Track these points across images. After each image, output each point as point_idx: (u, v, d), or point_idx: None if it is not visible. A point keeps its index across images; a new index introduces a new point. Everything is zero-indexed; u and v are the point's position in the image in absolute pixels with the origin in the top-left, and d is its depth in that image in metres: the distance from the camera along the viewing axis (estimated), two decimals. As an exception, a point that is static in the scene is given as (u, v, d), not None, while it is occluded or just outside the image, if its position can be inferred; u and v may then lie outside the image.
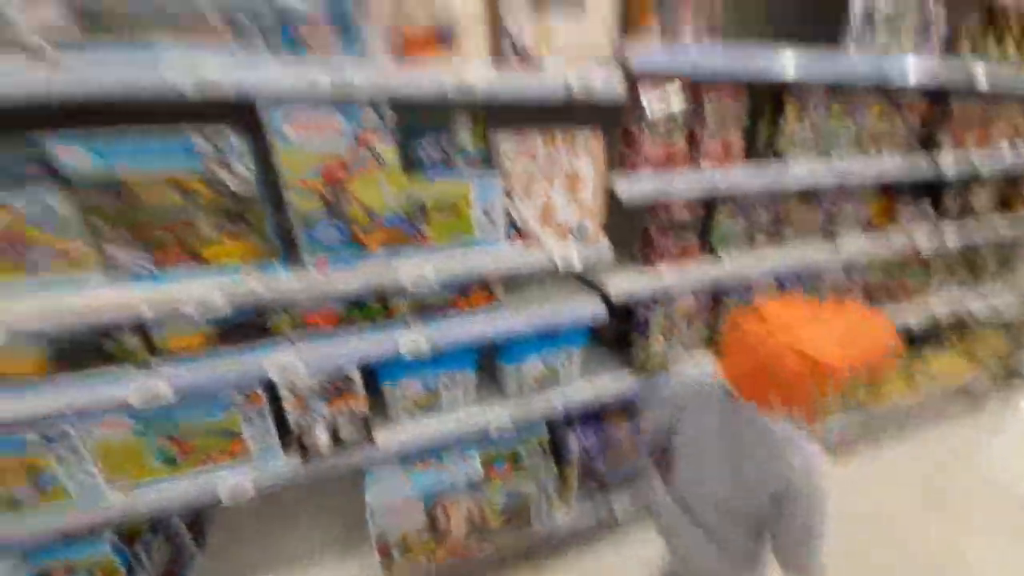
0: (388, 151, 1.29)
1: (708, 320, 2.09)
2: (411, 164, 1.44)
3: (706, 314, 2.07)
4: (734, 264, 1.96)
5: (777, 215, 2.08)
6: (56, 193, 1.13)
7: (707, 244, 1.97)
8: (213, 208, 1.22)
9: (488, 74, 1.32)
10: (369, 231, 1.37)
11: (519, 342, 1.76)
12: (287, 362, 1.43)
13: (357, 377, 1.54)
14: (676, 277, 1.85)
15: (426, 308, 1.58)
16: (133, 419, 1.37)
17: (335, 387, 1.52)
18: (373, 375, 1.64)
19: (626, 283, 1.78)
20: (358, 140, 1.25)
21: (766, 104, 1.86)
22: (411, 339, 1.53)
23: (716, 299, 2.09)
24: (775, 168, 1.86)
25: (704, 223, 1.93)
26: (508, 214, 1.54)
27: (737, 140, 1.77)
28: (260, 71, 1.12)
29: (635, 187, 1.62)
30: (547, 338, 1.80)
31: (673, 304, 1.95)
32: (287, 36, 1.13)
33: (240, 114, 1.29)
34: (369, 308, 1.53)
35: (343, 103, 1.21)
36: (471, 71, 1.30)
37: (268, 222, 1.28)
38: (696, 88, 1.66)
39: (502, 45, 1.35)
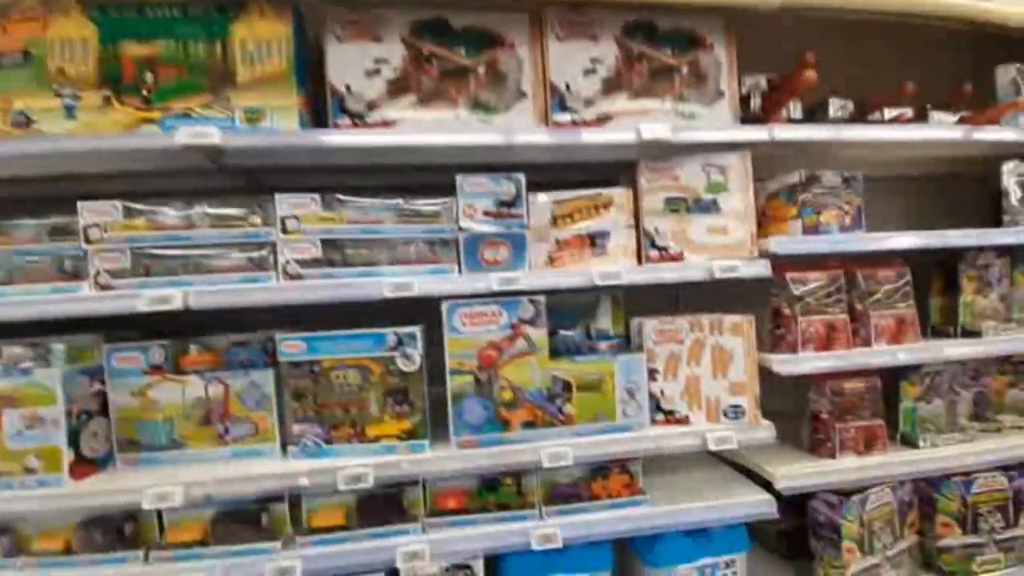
0: (539, 336, 1.37)
1: (920, 526, 1.59)
2: (558, 349, 1.50)
3: (914, 516, 1.59)
4: (937, 453, 1.56)
5: (983, 395, 1.70)
6: (268, 374, 1.34)
7: (897, 430, 1.63)
8: (384, 387, 1.34)
9: (631, 268, 1.43)
10: (513, 408, 1.37)
11: (665, 541, 1.47)
12: (417, 550, 1.34)
13: (480, 568, 1.37)
14: (860, 468, 1.51)
15: (561, 494, 1.44)
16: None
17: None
18: (495, 564, 1.45)
19: (797, 472, 1.49)
20: (514, 327, 1.35)
21: (939, 279, 1.71)
22: (544, 531, 1.36)
23: (924, 497, 1.63)
24: (959, 342, 1.59)
25: (889, 405, 1.63)
26: (652, 395, 1.46)
27: (910, 315, 1.59)
28: (449, 283, 1.33)
29: (793, 366, 1.47)
30: (699, 537, 1.48)
31: (866, 503, 1.54)
32: (473, 253, 1.36)
33: (423, 309, 1.48)
34: (503, 490, 1.44)
35: (506, 299, 1.36)
36: (616, 265, 1.41)
37: (425, 401, 1.36)
38: (848, 267, 1.59)
39: (643, 245, 1.47)
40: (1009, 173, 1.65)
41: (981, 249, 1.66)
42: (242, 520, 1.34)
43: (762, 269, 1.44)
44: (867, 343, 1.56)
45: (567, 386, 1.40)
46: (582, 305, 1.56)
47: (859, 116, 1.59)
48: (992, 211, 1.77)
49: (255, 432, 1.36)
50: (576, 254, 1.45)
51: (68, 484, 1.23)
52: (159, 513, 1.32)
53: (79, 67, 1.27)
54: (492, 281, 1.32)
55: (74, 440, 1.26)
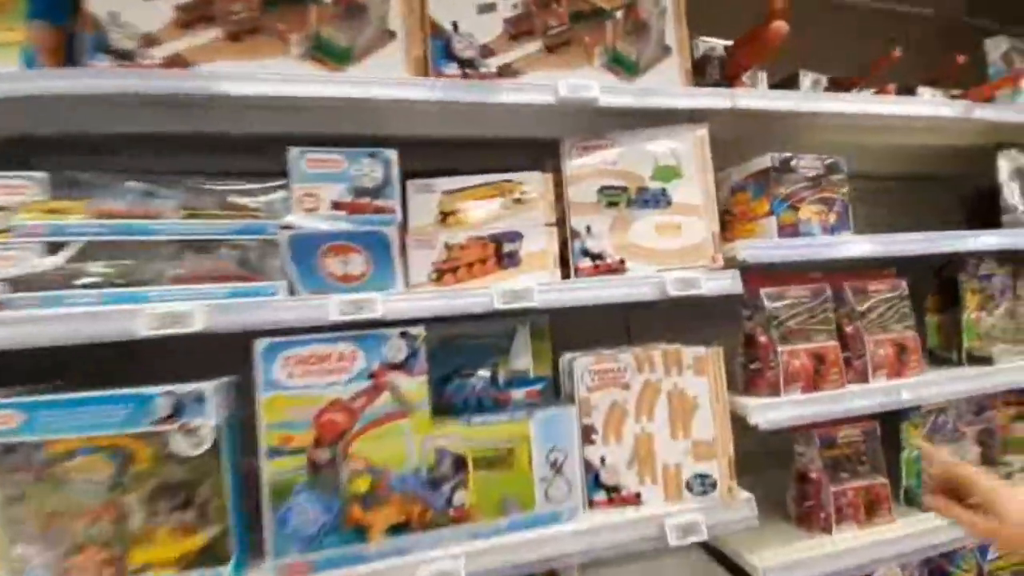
0: (415, 388, 0.90)
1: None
2: (449, 405, 1.03)
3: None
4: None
5: (989, 431, 1.38)
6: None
7: (899, 486, 1.26)
8: (154, 483, 0.82)
9: (551, 283, 1.00)
10: (373, 504, 0.88)
11: None
12: None
13: None
14: (865, 547, 1.12)
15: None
16: None
17: None
18: None
19: (786, 560, 1.08)
20: (374, 376, 0.88)
21: (935, 294, 1.39)
22: None
23: (936, 570, 1.26)
24: (966, 372, 1.26)
25: (890, 460, 1.26)
26: (589, 465, 1.01)
27: (912, 339, 1.24)
28: (264, 311, 0.84)
29: (776, 412, 1.08)
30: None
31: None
32: (308, 264, 0.88)
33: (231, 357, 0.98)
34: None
35: (363, 334, 0.88)
36: (529, 280, 0.98)
37: (228, 501, 0.85)
38: (833, 279, 1.23)
39: (571, 251, 1.05)
40: (1007, 164, 1.38)
41: (982, 257, 1.36)
42: None
43: (730, 283, 1.05)
44: (863, 377, 1.20)
45: (459, 463, 0.93)
46: (491, 339, 1.12)
47: (835, 91, 1.27)
48: (980, 214, 1.50)
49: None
50: (476, 266, 1.01)
51: None
52: None
53: None
54: (332, 307, 0.85)
55: None
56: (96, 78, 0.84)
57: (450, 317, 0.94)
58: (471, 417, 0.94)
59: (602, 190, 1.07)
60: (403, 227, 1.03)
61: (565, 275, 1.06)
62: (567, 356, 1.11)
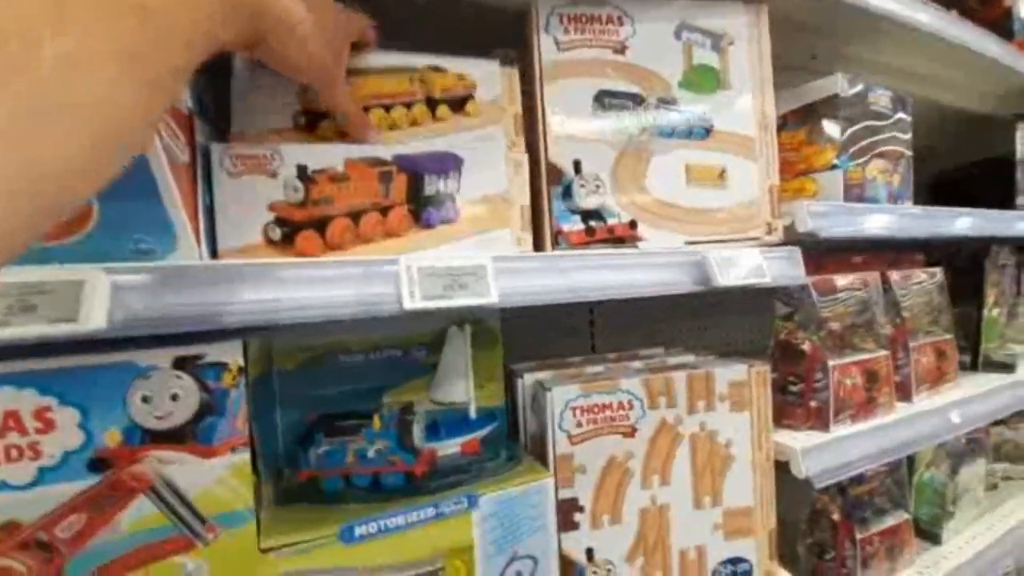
0: (218, 484, 0.40)
1: None
2: (305, 492, 0.54)
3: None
4: (968, 548, 1.01)
5: (978, 441, 1.21)
6: None
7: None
8: None
9: (526, 261, 0.54)
10: None
11: None
12: None
13: None
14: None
15: None
16: None
17: None
18: None
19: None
20: (106, 464, 0.36)
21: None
22: None
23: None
24: (992, 379, 1.05)
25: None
26: (569, 562, 0.59)
27: (950, 344, 0.99)
28: None
29: (828, 456, 0.74)
30: None
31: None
32: None
33: None
34: None
35: (67, 364, 0.35)
36: (483, 255, 0.51)
37: None
38: (871, 264, 0.92)
39: (547, 202, 0.60)
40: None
41: (1002, 245, 1.16)
42: None
43: (788, 264, 0.67)
44: (907, 396, 0.91)
45: (326, 622, 0.46)
46: (393, 355, 0.63)
47: None
48: (960, 196, 1.31)
49: None
50: (368, 217, 0.51)
51: None
52: None
53: None
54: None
55: None
56: None
57: (310, 321, 0.44)
58: (350, 526, 0.46)
59: (601, 98, 0.62)
60: (213, 127, 0.50)
61: (536, 245, 0.60)
62: (528, 379, 0.68)
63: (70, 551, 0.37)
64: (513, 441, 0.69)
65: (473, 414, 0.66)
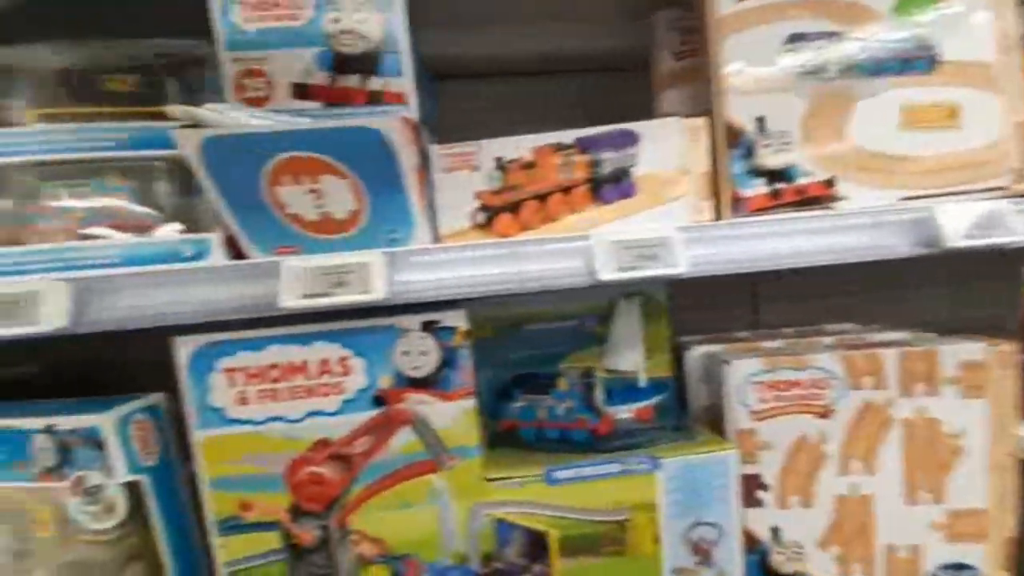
0: (454, 421, 0.50)
1: None
2: (505, 439, 0.63)
3: None
4: None
5: None
6: None
7: None
8: (64, 560, 0.51)
9: (709, 231, 0.54)
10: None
11: None
12: None
13: None
14: None
15: None
16: None
17: None
18: None
19: None
20: (383, 401, 0.49)
21: None
22: None
23: None
24: None
25: None
26: (754, 540, 0.59)
27: None
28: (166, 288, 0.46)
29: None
30: None
31: None
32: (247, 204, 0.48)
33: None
34: None
35: (352, 326, 0.49)
36: (667, 227, 0.52)
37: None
38: None
39: (726, 167, 0.57)
40: None
41: None
42: None
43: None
44: None
45: (536, 546, 0.54)
46: (572, 325, 0.68)
47: None
48: None
49: None
50: (554, 199, 0.56)
51: None
52: None
53: None
54: (285, 282, 0.44)
55: None
56: None
57: (510, 294, 0.51)
58: (552, 470, 0.53)
59: (791, 42, 0.56)
60: (423, 130, 0.60)
61: (717, 213, 0.58)
62: (699, 351, 0.67)
63: (361, 464, 0.51)
64: (683, 412, 0.69)
65: (643, 383, 0.68)
